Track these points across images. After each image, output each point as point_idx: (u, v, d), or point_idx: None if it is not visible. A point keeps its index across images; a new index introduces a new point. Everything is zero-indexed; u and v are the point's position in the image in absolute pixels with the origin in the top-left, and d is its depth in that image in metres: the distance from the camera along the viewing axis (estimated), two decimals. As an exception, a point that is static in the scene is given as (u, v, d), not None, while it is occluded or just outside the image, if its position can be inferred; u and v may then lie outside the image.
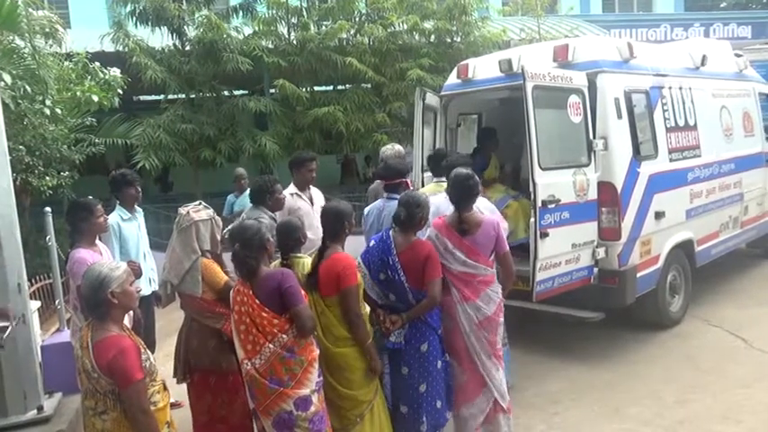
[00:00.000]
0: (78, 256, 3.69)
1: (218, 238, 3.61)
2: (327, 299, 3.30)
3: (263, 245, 3.11)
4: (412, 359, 3.49)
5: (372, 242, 3.62)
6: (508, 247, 3.71)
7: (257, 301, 2.98)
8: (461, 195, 3.63)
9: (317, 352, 3.10)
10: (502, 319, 3.69)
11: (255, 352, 2.98)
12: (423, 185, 5.52)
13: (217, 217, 3.65)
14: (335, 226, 3.42)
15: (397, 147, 5.36)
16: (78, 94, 6.66)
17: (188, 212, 3.49)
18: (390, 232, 3.58)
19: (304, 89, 9.59)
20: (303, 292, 3.12)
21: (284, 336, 2.97)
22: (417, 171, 5.68)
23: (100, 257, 3.68)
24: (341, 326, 3.31)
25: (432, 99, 6.01)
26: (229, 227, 3.76)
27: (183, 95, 9.70)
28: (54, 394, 4.34)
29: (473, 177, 3.68)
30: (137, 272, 4.02)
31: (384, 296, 3.52)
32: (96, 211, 3.89)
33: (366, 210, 4.57)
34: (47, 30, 5.91)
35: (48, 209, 5.31)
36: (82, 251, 3.73)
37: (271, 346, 2.96)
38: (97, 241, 4.00)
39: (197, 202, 3.64)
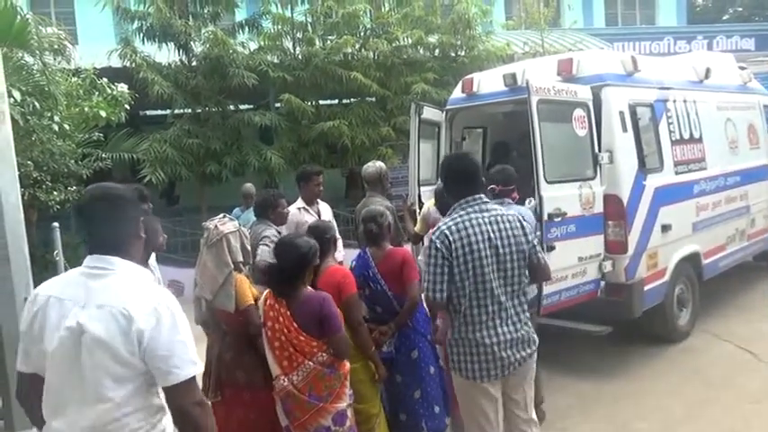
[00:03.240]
0: None
1: (248, 248, 3.61)
2: None
3: (311, 265, 3.09)
4: (404, 366, 3.57)
5: (353, 263, 3.69)
6: None
7: (294, 324, 2.96)
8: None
9: (348, 366, 3.11)
10: None
11: (293, 368, 2.96)
12: (419, 200, 5.53)
13: (243, 228, 3.64)
14: (322, 243, 3.44)
15: (378, 163, 5.35)
16: (86, 109, 6.73)
17: (215, 226, 3.47)
18: (367, 248, 3.69)
19: (309, 103, 9.66)
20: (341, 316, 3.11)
21: (323, 354, 2.96)
22: (413, 185, 5.70)
23: (153, 277, 3.57)
24: None
25: (432, 113, 6.03)
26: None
27: (190, 110, 9.77)
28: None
29: None
30: (179, 290, 3.96)
31: (371, 310, 3.59)
32: (158, 232, 3.67)
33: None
34: (56, 46, 5.99)
35: (56, 224, 5.35)
36: None
37: (310, 363, 2.94)
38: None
39: (221, 215, 3.62)
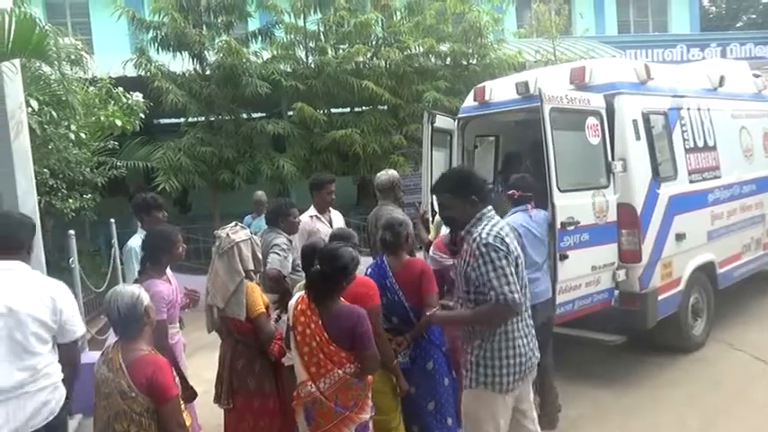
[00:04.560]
0: (156, 289, 3.37)
1: (259, 256, 3.63)
2: None
3: (350, 278, 3.07)
4: (419, 378, 3.54)
5: (369, 270, 3.67)
6: None
7: (325, 335, 2.94)
8: None
9: (371, 378, 3.10)
10: None
11: (320, 375, 2.94)
12: (432, 207, 5.53)
13: (254, 236, 3.67)
14: None
15: (391, 172, 5.36)
16: (102, 118, 6.80)
17: (227, 235, 3.49)
18: (384, 257, 3.63)
19: (321, 112, 9.71)
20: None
21: (351, 365, 2.95)
22: (426, 193, 5.69)
23: (170, 286, 3.57)
24: None
25: (444, 122, 6.04)
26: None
27: (203, 119, 9.87)
28: (74, 416, 4.37)
29: None
30: (196, 300, 3.98)
31: (387, 320, 3.57)
32: (178, 241, 3.65)
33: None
34: (73, 57, 6.06)
35: (71, 231, 5.40)
36: (159, 284, 3.46)
37: (339, 371, 2.93)
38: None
39: (233, 224, 3.65)
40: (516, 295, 2.70)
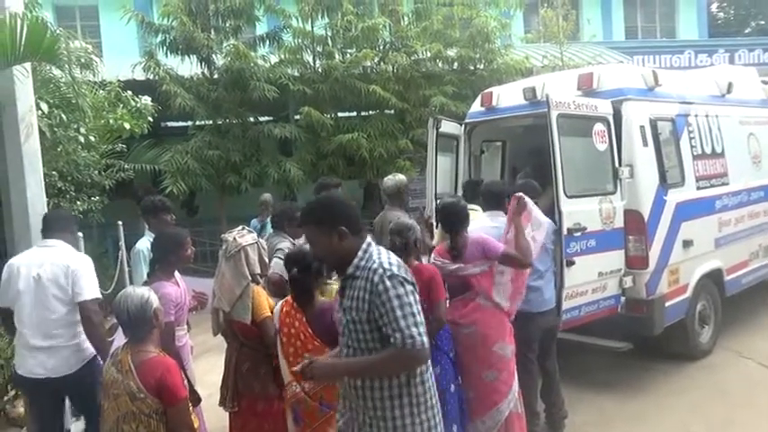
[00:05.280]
0: (164, 291, 3.35)
1: (266, 260, 3.65)
2: None
3: (321, 272, 3.12)
4: None
5: None
6: (501, 247, 3.74)
7: (309, 331, 2.98)
8: (456, 220, 3.76)
9: None
10: (502, 334, 3.72)
11: None
12: (436, 213, 5.53)
13: (261, 240, 3.69)
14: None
15: (399, 176, 5.36)
16: (111, 121, 6.85)
17: (234, 238, 3.51)
18: None
19: (328, 116, 9.73)
20: None
21: None
22: (430, 198, 5.70)
23: (178, 289, 3.57)
24: None
25: (451, 127, 6.04)
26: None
27: (211, 122, 9.91)
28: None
29: (461, 202, 3.85)
30: (204, 302, 3.99)
31: None
32: (186, 244, 3.64)
33: None
34: (82, 60, 6.11)
35: (79, 234, 5.40)
36: (167, 286, 3.45)
37: None
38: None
39: (239, 228, 3.67)
40: (426, 338, 2.24)
